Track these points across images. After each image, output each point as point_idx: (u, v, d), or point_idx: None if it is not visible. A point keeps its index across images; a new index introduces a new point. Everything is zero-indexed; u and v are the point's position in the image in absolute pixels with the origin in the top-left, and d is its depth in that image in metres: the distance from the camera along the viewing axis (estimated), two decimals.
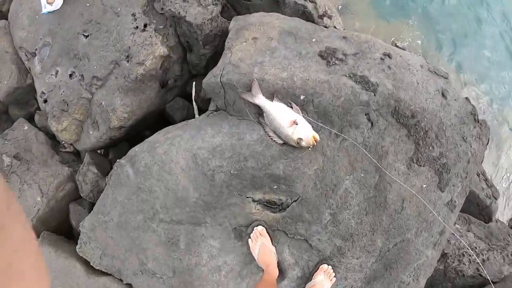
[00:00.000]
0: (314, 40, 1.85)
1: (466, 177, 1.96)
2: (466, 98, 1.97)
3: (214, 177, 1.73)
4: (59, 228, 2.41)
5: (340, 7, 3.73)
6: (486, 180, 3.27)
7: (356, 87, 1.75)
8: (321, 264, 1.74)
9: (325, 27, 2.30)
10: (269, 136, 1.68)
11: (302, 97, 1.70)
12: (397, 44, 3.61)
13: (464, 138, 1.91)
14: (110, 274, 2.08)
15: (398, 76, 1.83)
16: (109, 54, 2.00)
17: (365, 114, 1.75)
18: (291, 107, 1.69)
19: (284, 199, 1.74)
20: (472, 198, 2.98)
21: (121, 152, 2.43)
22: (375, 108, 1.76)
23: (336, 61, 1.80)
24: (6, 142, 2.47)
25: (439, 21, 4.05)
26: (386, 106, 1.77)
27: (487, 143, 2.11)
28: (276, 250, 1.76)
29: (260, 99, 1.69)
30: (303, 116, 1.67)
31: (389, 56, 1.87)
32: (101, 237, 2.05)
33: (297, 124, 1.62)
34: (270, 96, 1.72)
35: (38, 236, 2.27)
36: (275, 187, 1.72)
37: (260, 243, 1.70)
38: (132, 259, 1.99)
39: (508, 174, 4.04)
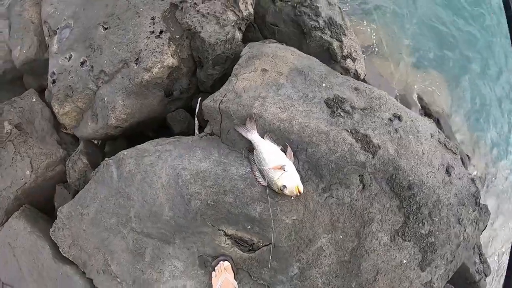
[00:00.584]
0: (324, 85, 1.75)
1: (452, 261, 1.82)
2: (472, 179, 1.82)
3: (190, 202, 1.67)
4: (42, 205, 2.43)
5: (373, 47, 3.55)
6: (480, 254, 3.06)
7: (355, 146, 1.64)
8: None
9: (346, 69, 2.19)
10: (254, 175, 1.60)
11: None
12: (419, 96, 3.41)
13: (460, 220, 1.77)
14: (75, 264, 2.08)
15: (404, 141, 1.70)
16: (121, 53, 1.97)
17: (359, 176, 1.63)
18: (285, 151, 1.60)
19: (256, 240, 1.66)
20: (461, 271, 2.80)
21: (117, 148, 2.41)
22: (371, 171, 1.64)
23: (341, 113, 1.69)
24: (12, 110, 2.50)
25: (475, 84, 3.78)
26: (382, 172, 1.65)
27: (484, 229, 1.95)
28: None
29: (254, 136, 1.61)
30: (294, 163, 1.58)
31: (399, 118, 1.75)
32: (75, 227, 2.04)
33: (284, 171, 1.53)
34: (263, 134, 1.64)
35: (18, 208, 2.29)
36: (249, 227, 1.64)
37: (224, 278, 1.64)
38: (99, 256, 1.97)
39: (503, 249, 3.79)
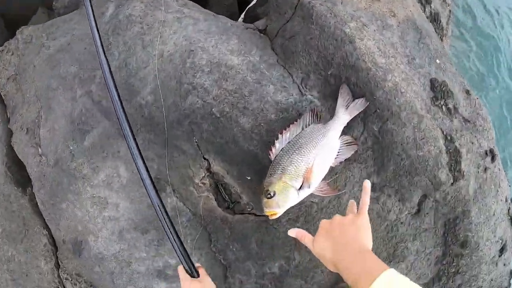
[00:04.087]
0: (438, 61, 0.93)
1: None
2: (511, 271, 1.09)
3: (187, 96, 0.79)
4: (15, 9, 1.40)
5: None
6: None
7: (444, 156, 0.83)
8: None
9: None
10: (280, 134, 0.69)
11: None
12: None
13: None
14: (4, 104, 1.14)
15: (485, 189, 0.92)
16: None
17: (422, 195, 0.85)
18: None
19: (244, 201, 0.83)
20: None
21: None
22: (438, 199, 0.85)
23: (443, 106, 0.88)
24: None
25: None
26: (449, 208, 0.86)
27: None
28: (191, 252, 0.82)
29: (343, 114, 0.72)
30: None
31: (492, 157, 0.95)
32: (27, 58, 1.08)
33: (301, 186, 0.66)
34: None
35: None
36: (249, 178, 0.80)
37: None
38: (33, 109, 1.02)
39: None
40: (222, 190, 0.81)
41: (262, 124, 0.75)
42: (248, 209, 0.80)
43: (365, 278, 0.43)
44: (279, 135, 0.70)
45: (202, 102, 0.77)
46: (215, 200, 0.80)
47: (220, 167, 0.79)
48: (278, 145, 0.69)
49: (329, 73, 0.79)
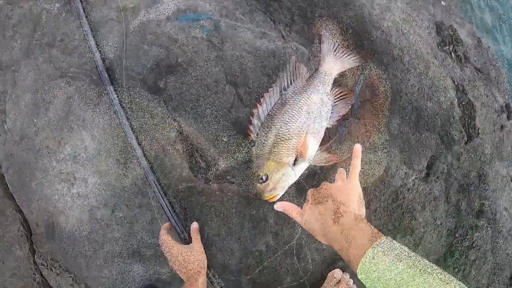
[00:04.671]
0: (443, 3, 0.77)
1: None
2: None
3: (150, 47, 0.63)
4: None
5: None
6: None
7: (456, 110, 0.68)
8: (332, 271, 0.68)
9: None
10: (252, 116, 0.55)
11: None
12: None
13: None
14: None
15: (501, 149, 0.77)
16: None
17: (432, 156, 0.70)
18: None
19: (221, 167, 0.69)
20: None
21: None
22: (450, 161, 0.71)
23: (452, 52, 0.73)
24: None
25: None
26: (463, 172, 0.71)
27: None
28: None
29: (329, 60, 0.55)
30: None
31: (509, 114, 0.81)
32: None
33: (295, 162, 0.52)
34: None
35: None
36: (225, 140, 0.66)
37: None
38: None
39: None
40: (198, 156, 0.67)
41: (236, 74, 0.61)
42: (227, 178, 0.67)
43: (356, 249, 0.35)
44: (254, 111, 0.55)
45: (167, 52, 0.63)
46: (189, 168, 0.67)
47: (193, 128, 0.65)
48: (256, 122, 0.55)
49: (316, 15, 0.64)
